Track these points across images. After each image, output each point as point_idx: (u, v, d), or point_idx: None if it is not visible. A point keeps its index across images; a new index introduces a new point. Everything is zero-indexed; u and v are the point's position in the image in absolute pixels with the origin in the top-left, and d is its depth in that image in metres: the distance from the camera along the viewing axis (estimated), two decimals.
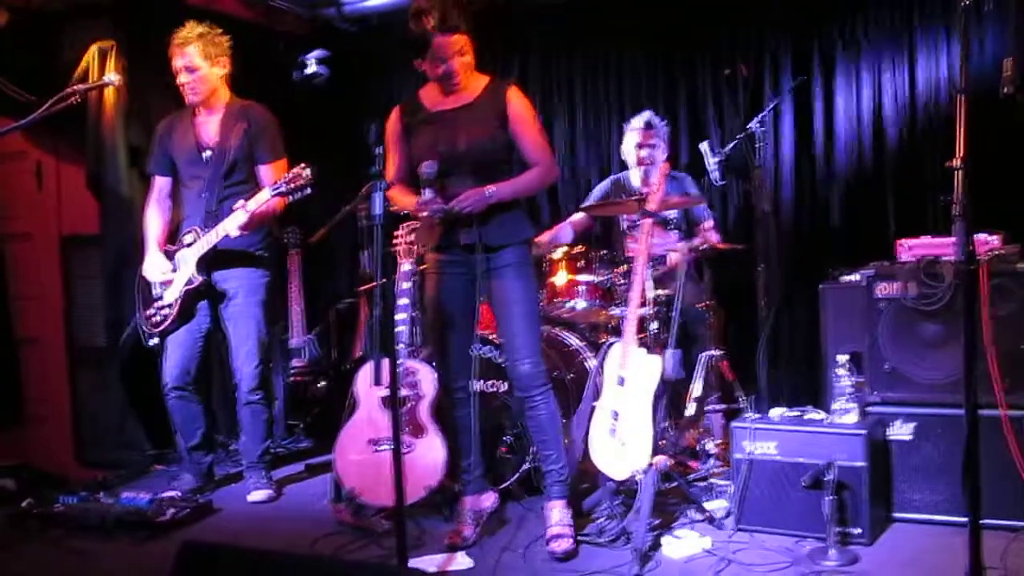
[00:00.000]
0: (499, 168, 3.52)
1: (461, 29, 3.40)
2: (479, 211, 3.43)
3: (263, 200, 4.12)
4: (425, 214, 3.47)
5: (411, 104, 3.64)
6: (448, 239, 3.56)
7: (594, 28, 5.80)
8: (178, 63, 4.30)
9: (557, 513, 3.56)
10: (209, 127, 4.39)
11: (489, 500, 3.82)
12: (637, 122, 4.99)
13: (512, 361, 3.58)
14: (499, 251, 3.52)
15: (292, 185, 4.03)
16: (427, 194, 3.44)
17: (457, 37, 3.40)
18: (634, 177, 5.06)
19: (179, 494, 4.24)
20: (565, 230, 5.03)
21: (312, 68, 5.74)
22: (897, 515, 3.66)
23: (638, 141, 4.97)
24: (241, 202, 4.14)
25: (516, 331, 3.54)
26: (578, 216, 5.18)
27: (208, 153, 4.36)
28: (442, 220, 3.50)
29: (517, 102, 3.52)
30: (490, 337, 4.11)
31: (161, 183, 4.52)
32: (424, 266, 4.44)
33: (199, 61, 4.29)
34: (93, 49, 4.93)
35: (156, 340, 4.44)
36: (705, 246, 4.50)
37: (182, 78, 4.31)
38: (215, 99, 4.40)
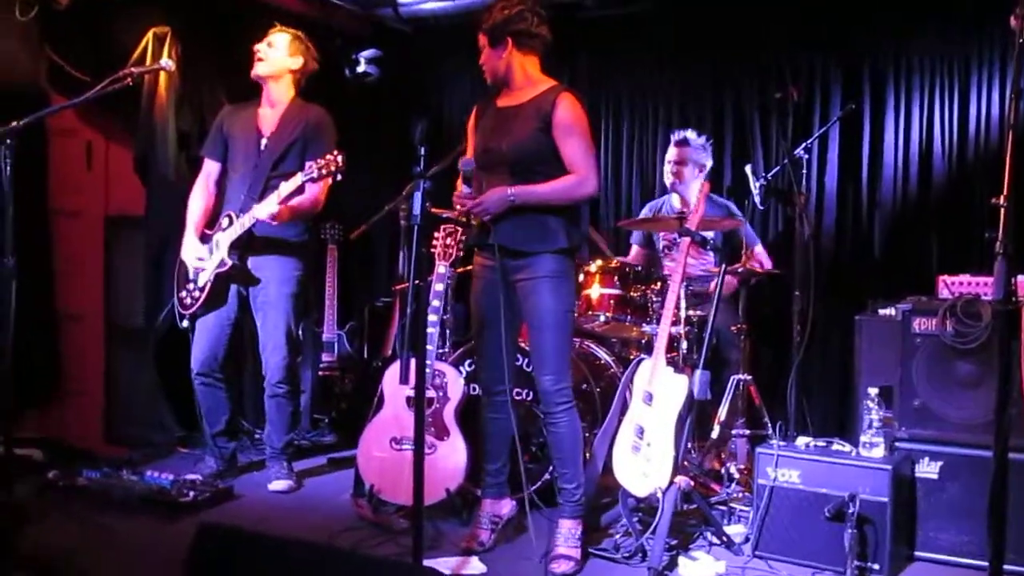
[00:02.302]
0: (538, 172, 3.47)
1: (482, 30, 3.56)
2: (500, 212, 3.44)
3: (294, 185, 4.15)
4: (457, 208, 3.56)
5: (487, 98, 3.70)
6: (483, 239, 3.57)
7: (642, 47, 5.79)
8: (266, 39, 4.46)
9: (566, 532, 3.54)
10: (270, 118, 4.48)
11: (507, 507, 3.82)
12: (674, 138, 5.00)
13: (535, 375, 3.59)
14: (527, 259, 3.49)
15: (323, 170, 4.06)
16: (464, 190, 3.52)
17: (480, 35, 3.58)
18: (674, 200, 5.05)
19: (200, 477, 4.28)
20: None
21: (363, 67, 5.85)
22: (919, 554, 3.60)
23: (669, 158, 4.98)
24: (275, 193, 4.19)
25: (538, 345, 3.53)
26: (634, 253, 5.19)
27: (265, 141, 4.43)
28: (468, 217, 3.55)
29: (564, 108, 3.46)
30: (521, 344, 4.10)
31: (210, 167, 4.59)
32: (461, 269, 4.49)
33: (281, 44, 4.45)
34: (150, 34, 5.01)
35: (186, 323, 4.49)
36: (741, 269, 4.47)
37: (259, 46, 4.44)
38: (280, 91, 4.49)
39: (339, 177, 4.08)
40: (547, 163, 3.48)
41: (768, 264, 4.86)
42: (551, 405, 3.54)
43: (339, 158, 4.05)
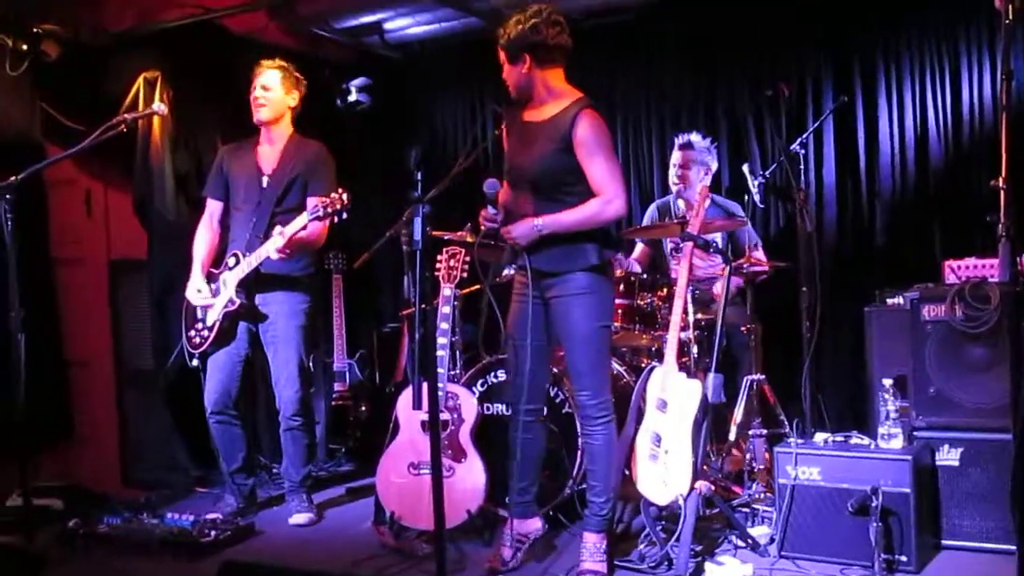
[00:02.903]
0: (561, 190, 3.45)
1: (500, 46, 3.52)
2: (529, 242, 3.44)
3: (300, 224, 4.17)
4: (484, 227, 3.56)
5: (514, 110, 3.65)
6: (514, 262, 3.59)
7: (634, 50, 5.79)
8: (257, 81, 4.45)
9: (591, 546, 3.52)
10: (270, 156, 4.49)
11: (535, 525, 3.80)
12: (678, 141, 4.96)
13: (573, 390, 3.60)
14: (559, 277, 3.48)
15: (329, 209, 4.08)
16: (490, 210, 3.51)
17: (500, 50, 3.54)
18: (680, 204, 5.03)
19: (221, 516, 4.27)
20: (632, 267, 4.95)
21: (354, 96, 5.87)
22: (946, 542, 3.59)
23: (673, 162, 4.95)
24: (279, 227, 4.20)
25: (573, 361, 3.53)
26: (639, 250, 5.16)
27: (266, 179, 4.44)
28: (497, 239, 3.58)
29: (584, 127, 3.40)
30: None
31: (213, 207, 4.60)
32: (467, 290, 4.49)
33: (275, 84, 4.45)
34: (141, 80, 5.04)
35: (196, 361, 4.49)
36: (748, 268, 4.44)
37: (257, 93, 4.45)
38: (279, 129, 4.50)
39: (344, 216, 4.08)
40: (570, 182, 3.46)
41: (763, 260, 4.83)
42: (588, 420, 3.54)
43: (344, 196, 4.06)
